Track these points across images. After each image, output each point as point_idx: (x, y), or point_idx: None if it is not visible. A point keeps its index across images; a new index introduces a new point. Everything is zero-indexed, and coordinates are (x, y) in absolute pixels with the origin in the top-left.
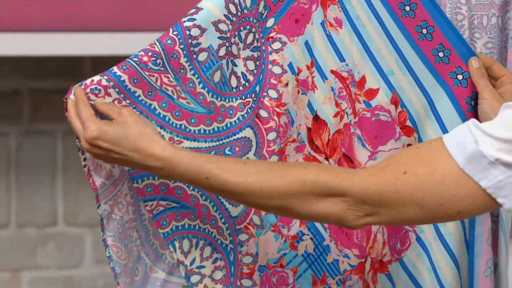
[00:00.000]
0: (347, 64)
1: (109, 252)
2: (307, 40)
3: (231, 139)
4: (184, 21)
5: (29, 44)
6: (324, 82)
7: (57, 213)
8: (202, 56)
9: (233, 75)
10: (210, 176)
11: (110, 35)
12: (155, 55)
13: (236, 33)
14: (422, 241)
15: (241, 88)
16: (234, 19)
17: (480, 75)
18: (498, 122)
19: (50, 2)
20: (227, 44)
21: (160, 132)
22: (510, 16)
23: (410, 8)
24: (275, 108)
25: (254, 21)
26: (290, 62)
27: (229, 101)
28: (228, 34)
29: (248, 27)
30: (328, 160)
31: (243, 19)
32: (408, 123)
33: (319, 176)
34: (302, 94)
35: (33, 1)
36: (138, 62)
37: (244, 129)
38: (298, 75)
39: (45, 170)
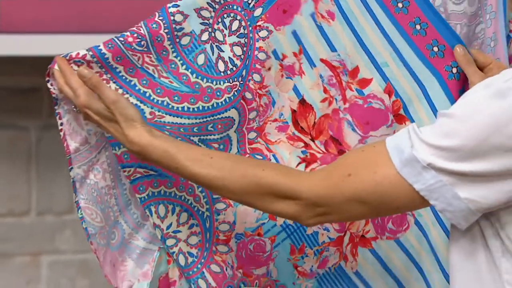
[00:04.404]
0: (339, 54)
1: (81, 213)
2: (295, 30)
3: (216, 117)
4: (169, 7)
5: (45, 45)
6: (312, 69)
7: (73, 202)
8: (185, 40)
9: (220, 60)
10: (179, 166)
11: None
12: (140, 37)
13: (220, 20)
14: (420, 224)
15: (228, 72)
16: (216, 6)
17: (467, 61)
18: (433, 128)
19: (64, 4)
20: (209, 29)
21: (140, 107)
22: (483, 26)
23: (402, 5)
24: (258, 90)
25: (239, 9)
26: (275, 49)
27: (216, 84)
28: (211, 21)
29: (232, 14)
30: (314, 141)
31: (226, 7)
32: (402, 111)
33: (274, 179)
34: (286, 78)
35: (48, 4)
36: (123, 42)
37: (230, 110)
38: (282, 60)
39: (62, 161)
